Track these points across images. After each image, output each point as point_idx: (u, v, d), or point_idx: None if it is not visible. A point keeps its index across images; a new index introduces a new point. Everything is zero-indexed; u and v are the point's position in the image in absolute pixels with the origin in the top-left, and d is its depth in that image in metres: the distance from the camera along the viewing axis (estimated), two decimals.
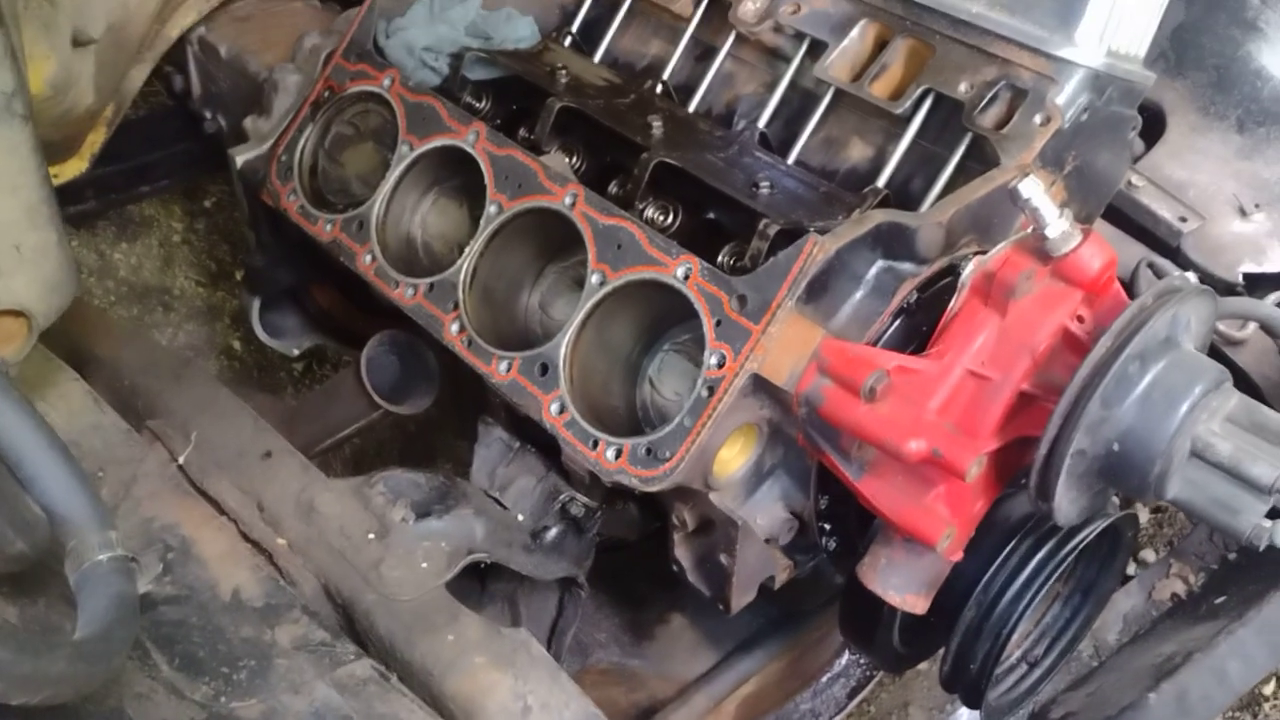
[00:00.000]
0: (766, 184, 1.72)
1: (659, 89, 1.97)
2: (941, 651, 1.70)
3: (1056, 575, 1.59)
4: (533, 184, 1.76)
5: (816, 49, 1.87)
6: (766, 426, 1.60)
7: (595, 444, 1.60)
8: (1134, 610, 2.09)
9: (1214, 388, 1.39)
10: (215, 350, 3.15)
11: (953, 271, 1.61)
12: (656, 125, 1.82)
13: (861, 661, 2.21)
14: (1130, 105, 1.78)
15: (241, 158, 2.06)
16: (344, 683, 1.38)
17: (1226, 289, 2.09)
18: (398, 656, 1.49)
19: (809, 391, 1.49)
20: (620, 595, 2.07)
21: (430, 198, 1.95)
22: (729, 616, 1.78)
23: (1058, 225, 1.42)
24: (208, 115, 2.68)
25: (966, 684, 1.66)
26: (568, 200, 1.72)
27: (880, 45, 1.83)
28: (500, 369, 1.70)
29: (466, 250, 1.78)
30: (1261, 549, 1.39)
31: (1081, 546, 1.58)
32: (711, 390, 1.54)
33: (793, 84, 1.91)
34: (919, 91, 1.74)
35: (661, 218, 1.76)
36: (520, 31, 2.10)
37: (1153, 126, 2.23)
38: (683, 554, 1.71)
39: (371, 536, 1.59)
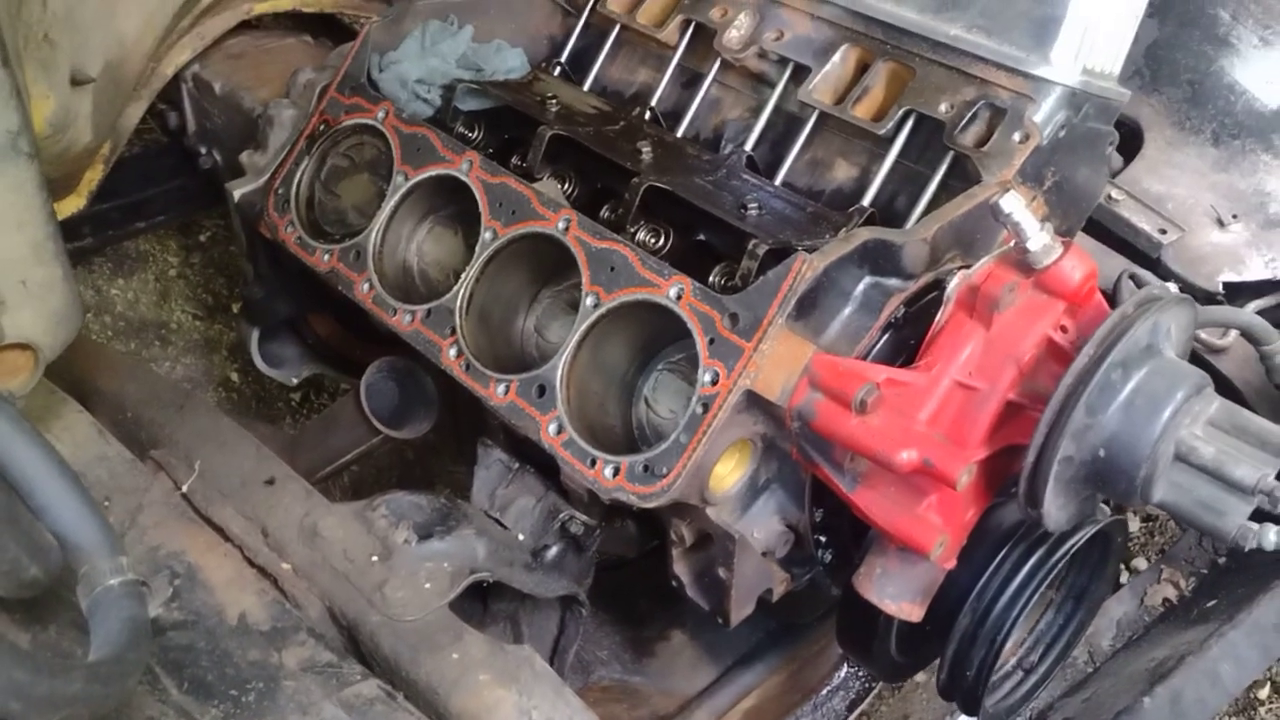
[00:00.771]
0: (755, 205, 1.76)
1: (647, 115, 2.02)
2: (938, 662, 1.73)
3: (1048, 581, 1.62)
4: (526, 210, 1.80)
5: (800, 73, 1.92)
6: (761, 442, 1.63)
7: (593, 462, 1.63)
8: (1127, 616, 2.12)
9: (1195, 393, 1.43)
10: (213, 382, 3.18)
11: (938, 286, 1.65)
12: (646, 151, 1.86)
13: (860, 674, 2.23)
14: (1107, 121, 1.82)
15: (239, 191, 2.10)
16: (351, 703, 1.40)
17: (1207, 298, 2.13)
18: (403, 676, 1.51)
19: (801, 406, 1.52)
20: (620, 613, 2.10)
21: (426, 226, 1.99)
22: (728, 631, 1.81)
23: (1039, 239, 1.47)
24: (203, 151, 2.72)
25: (964, 691, 1.69)
26: (561, 225, 1.76)
27: (862, 69, 1.88)
28: (498, 391, 1.73)
29: (463, 276, 1.81)
30: (1247, 549, 1.43)
31: (1072, 552, 1.62)
32: (706, 407, 1.57)
33: (777, 108, 1.95)
34: (901, 112, 1.78)
35: (653, 240, 1.80)
36: (510, 63, 2.14)
37: (1130, 141, 2.28)
38: (681, 569, 1.74)
39: (375, 559, 1.61)
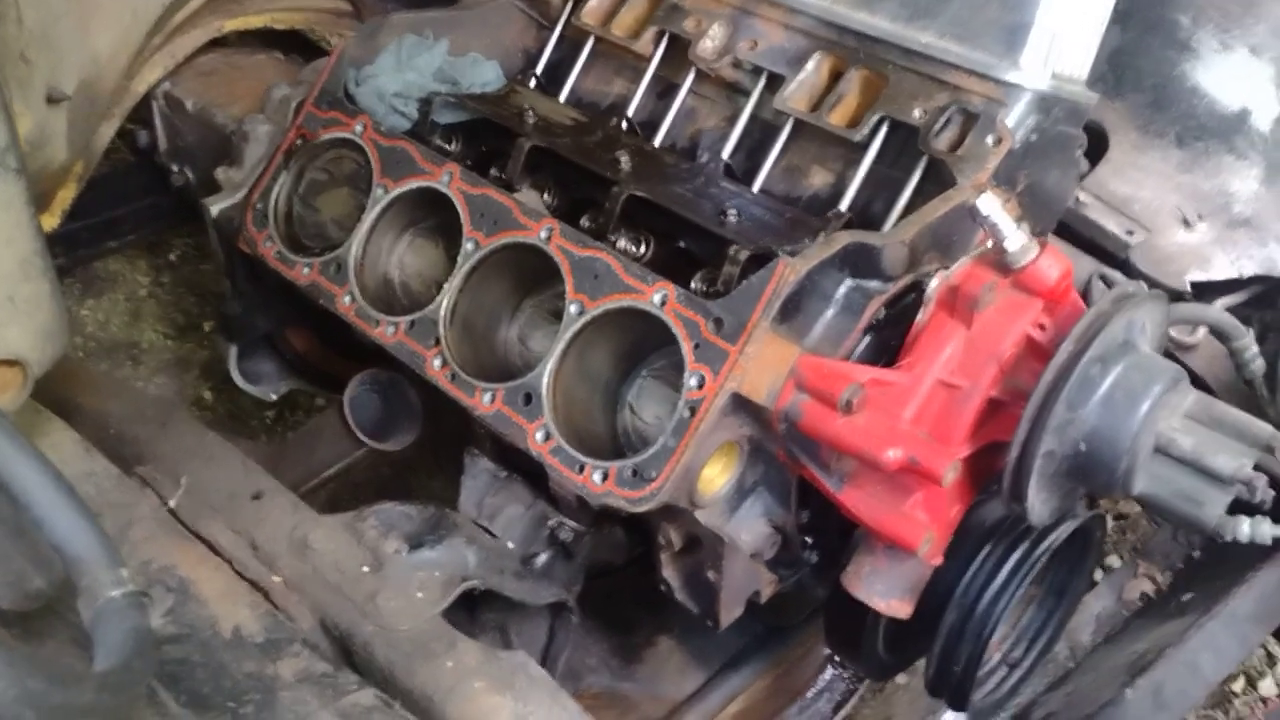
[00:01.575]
0: (734, 212, 1.78)
1: (624, 125, 2.04)
2: (922, 662, 1.76)
3: (1032, 575, 1.65)
4: (508, 220, 1.81)
5: (774, 82, 1.94)
6: (747, 444, 1.65)
7: (581, 468, 1.64)
8: (1106, 611, 2.16)
9: (1172, 386, 1.47)
10: (186, 401, 3.16)
11: (917, 288, 1.68)
12: (625, 160, 1.88)
13: (845, 676, 2.25)
14: (1076, 125, 1.86)
15: (216, 207, 2.10)
16: (349, 712, 1.40)
17: (1175, 297, 2.17)
18: (398, 685, 1.51)
19: (788, 407, 1.54)
20: (608, 620, 2.11)
21: (406, 238, 1.99)
22: (715, 635, 1.82)
23: (1016, 238, 1.50)
24: (174, 169, 2.71)
25: (951, 686, 1.71)
26: (544, 234, 1.77)
27: (835, 77, 1.91)
28: (484, 401, 1.74)
29: (445, 287, 1.82)
30: (1227, 540, 1.46)
31: (1055, 546, 1.65)
32: (693, 410, 1.58)
33: (753, 116, 1.97)
34: (875, 119, 1.81)
35: (634, 248, 1.82)
36: (485, 75, 2.16)
37: (1096, 145, 2.31)
38: (670, 573, 1.75)
39: (366, 569, 1.62)
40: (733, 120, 1.99)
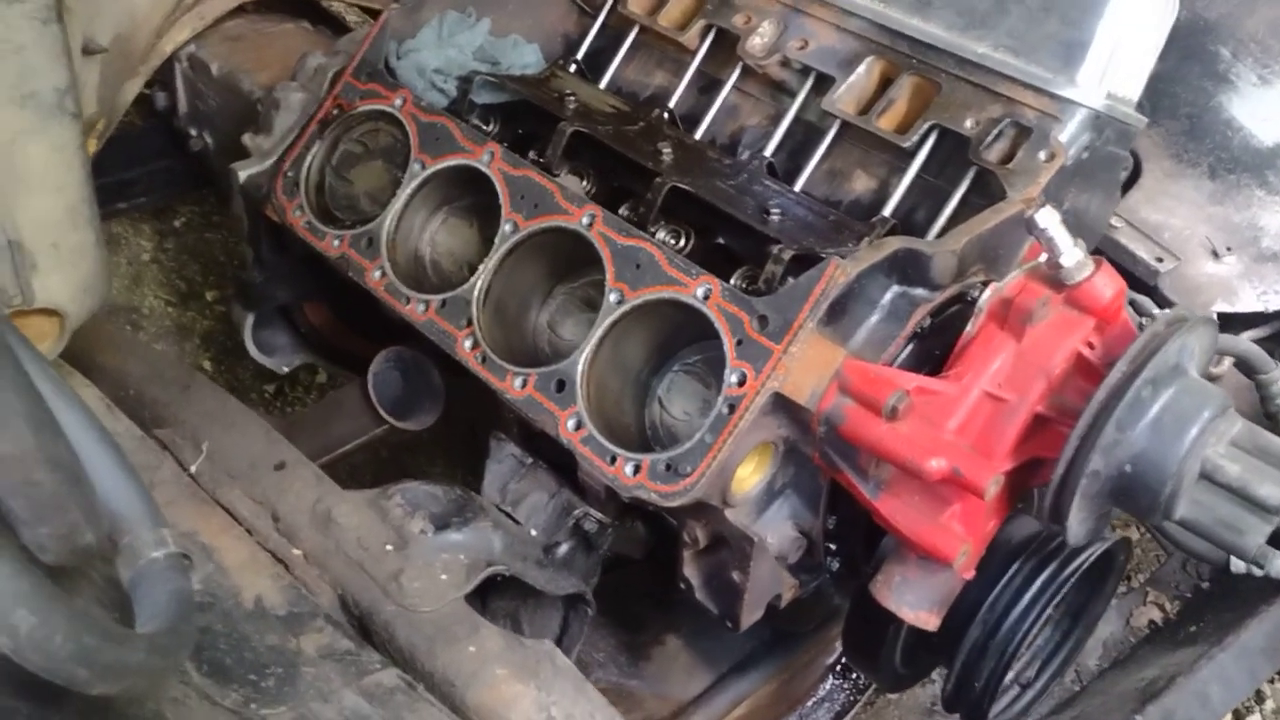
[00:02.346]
0: (777, 211, 1.76)
1: (666, 117, 2.01)
2: (944, 672, 1.74)
3: (1061, 595, 1.64)
4: (549, 204, 1.78)
5: (822, 83, 1.93)
6: (783, 445, 1.63)
7: (613, 459, 1.62)
8: (1113, 636, 2.16)
9: (1221, 413, 1.45)
10: None
11: (963, 299, 1.67)
12: (667, 152, 1.86)
13: (845, 686, 2.24)
14: (1124, 146, 1.85)
15: (244, 173, 2.06)
16: (372, 691, 1.37)
17: None
18: (418, 668, 1.48)
19: (830, 410, 1.52)
20: (617, 616, 2.08)
21: (440, 216, 1.96)
22: (723, 638, 1.80)
23: (1072, 254, 1.49)
24: (193, 132, 2.67)
25: (969, 703, 1.70)
26: (585, 220, 1.75)
27: (886, 82, 1.89)
28: (515, 385, 1.71)
29: (481, 267, 1.79)
30: (1265, 572, 1.45)
31: (1084, 567, 1.64)
32: (732, 408, 1.56)
33: (797, 117, 1.96)
34: (926, 126, 1.80)
35: (674, 241, 1.80)
36: (526, 58, 2.13)
37: (1129, 171, 2.32)
38: (692, 571, 1.73)
39: (390, 548, 1.59)
40: (776, 119, 1.98)
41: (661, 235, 1.80)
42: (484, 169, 1.85)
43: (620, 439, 1.66)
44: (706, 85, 2.07)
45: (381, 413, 1.93)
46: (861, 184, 1.91)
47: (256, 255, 2.12)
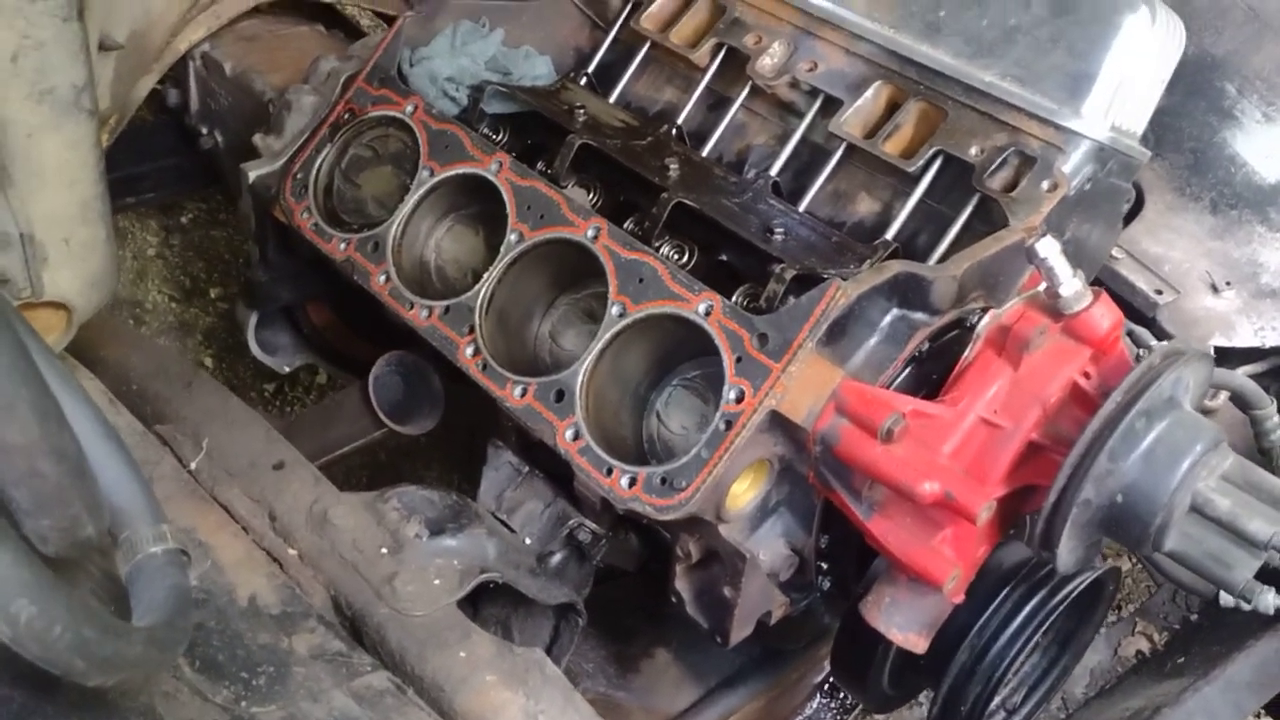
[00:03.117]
0: (781, 230, 1.77)
1: (674, 133, 2.03)
2: (930, 695, 1.75)
3: (1050, 621, 1.65)
4: (555, 215, 1.80)
5: (829, 106, 1.94)
6: (778, 463, 1.64)
7: (609, 471, 1.63)
8: (1100, 665, 2.16)
9: (1213, 447, 1.47)
10: None
11: (961, 324, 1.68)
12: (674, 167, 1.87)
13: (833, 705, 2.24)
14: (1127, 179, 1.87)
15: (254, 173, 2.08)
16: (361, 693, 1.38)
17: None
18: (408, 671, 1.49)
19: (826, 430, 1.54)
20: (607, 627, 2.09)
21: (446, 223, 1.98)
22: (712, 653, 1.81)
23: (1071, 284, 1.50)
24: (204, 131, 2.69)
25: None
26: (590, 233, 1.76)
27: (893, 107, 1.91)
28: (515, 394, 1.72)
29: (485, 276, 1.81)
30: (1253, 607, 1.46)
31: (1073, 595, 1.65)
32: (729, 424, 1.58)
33: (803, 138, 1.97)
34: (931, 152, 1.81)
35: (678, 256, 1.81)
36: (538, 70, 2.15)
37: (1132, 203, 2.33)
38: (683, 585, 1.74)
39: (384, 551, 1.60)
40: (783, 139, 1.99)
41: (665, 250, 1.81)
42: (492, 178, 1.87)
43: (617, 451, 1.68)
44: (715, 103, 2.09)
45: (381, 416, 1.94)
46: (865, 206, 1.93)
47: (262, 255, 2.14)
